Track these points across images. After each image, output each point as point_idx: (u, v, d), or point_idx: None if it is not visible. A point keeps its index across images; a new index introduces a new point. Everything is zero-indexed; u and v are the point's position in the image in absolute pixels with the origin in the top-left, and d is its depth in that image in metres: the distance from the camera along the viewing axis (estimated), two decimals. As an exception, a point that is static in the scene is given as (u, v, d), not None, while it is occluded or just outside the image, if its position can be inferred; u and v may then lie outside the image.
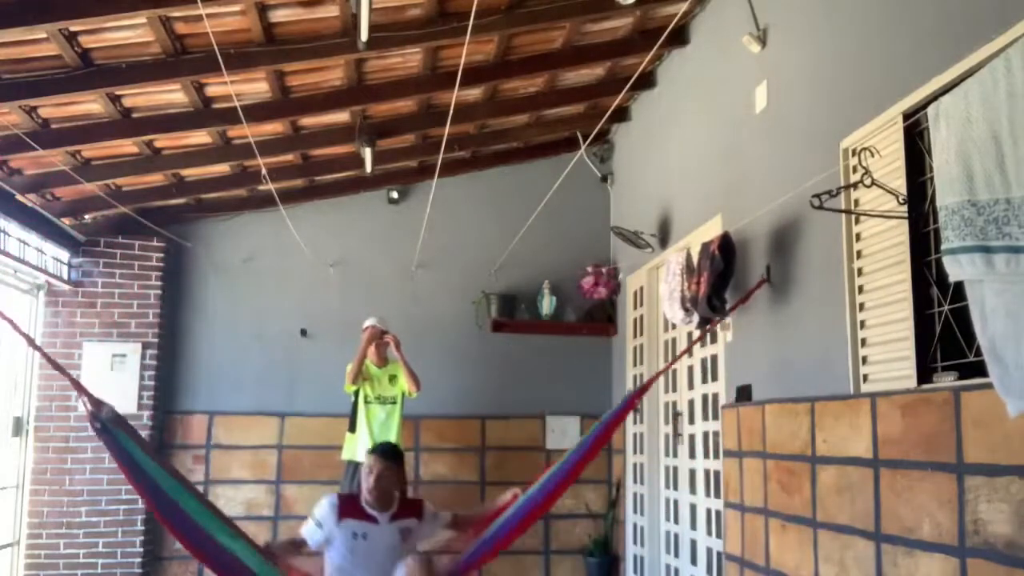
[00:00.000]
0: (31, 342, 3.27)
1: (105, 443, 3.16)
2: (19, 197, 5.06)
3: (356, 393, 5.66)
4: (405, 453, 5.66)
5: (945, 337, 2.76)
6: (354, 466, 5.53)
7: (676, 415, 5.48)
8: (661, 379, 5.79)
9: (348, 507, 3.64)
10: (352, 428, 5.66)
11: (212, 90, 4.62)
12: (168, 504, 3.15)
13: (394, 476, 3.72)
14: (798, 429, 3.53)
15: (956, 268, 2.18)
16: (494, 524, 3.81)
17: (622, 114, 6.43)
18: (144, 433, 5.99)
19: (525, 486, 3.89)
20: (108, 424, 3.12)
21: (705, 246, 4.16)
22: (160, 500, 3.16)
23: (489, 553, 3.80)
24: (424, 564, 3.62)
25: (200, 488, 6.20)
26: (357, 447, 5.60)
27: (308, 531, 3.66)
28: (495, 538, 3.76)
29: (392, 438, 5.55)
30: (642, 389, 3.93)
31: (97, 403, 3.16)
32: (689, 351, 4.83)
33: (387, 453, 3.80)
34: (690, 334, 5.20)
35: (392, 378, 5.70)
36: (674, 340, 5.58)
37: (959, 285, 2.38)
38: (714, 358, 4.76)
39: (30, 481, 5.81)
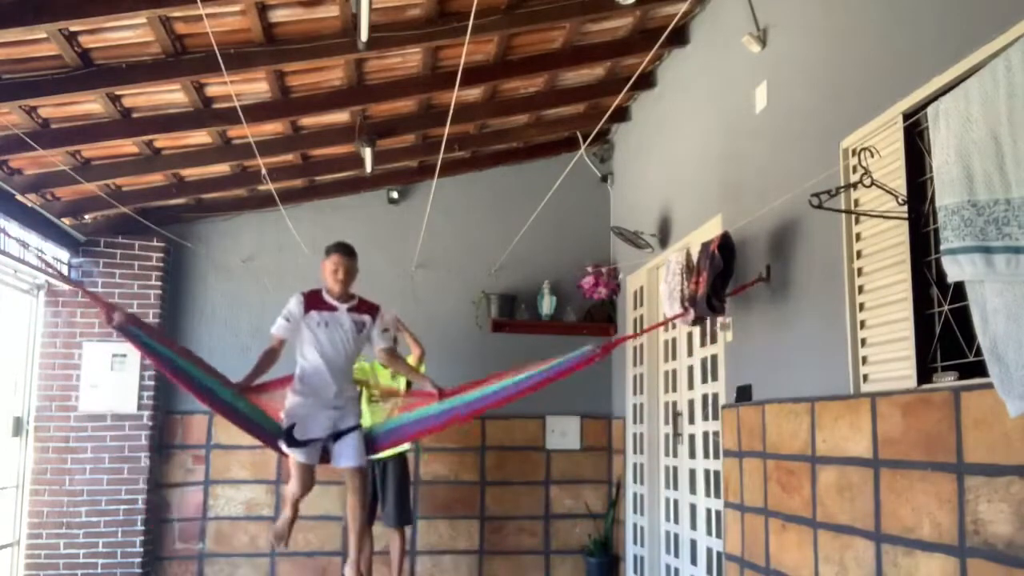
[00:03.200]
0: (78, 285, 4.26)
1: (129, 340, 3.75)
2: (19, 197, 5.06)
3: (359, 393, 5.65)
4: (407, 452, 5.72)
5: (945, 337, 2.76)
6: None
7: (676, 415, 5.48)
8: (661, 379, 5.79)
9: (312, 300, 4.12)
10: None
11: (212, 90, 4.62)
12: (185, 376, 3.89)
13: (353, 270, 4.25)
14: (798, 429, 3.53)
15: (956, 268, 2.18)
16: (457, 398, 4.18)
17: (622, 114, 6.43)
18: (144, 433, 6.01)
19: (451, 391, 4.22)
20: (124, 325, 3.65)
21: (705, 246, 4.16)
22: (178, 374, 3.88)
23: (423, 430, 4.38)
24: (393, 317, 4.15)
25: (200, 488, 6.23)
26: None
27: (277, 327, 4.13)
28: (435, 419, 4.19)
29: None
30: (609, 345, 4.14)
31: (109, 307, 3.65)
32: (669, 324, 4.82)
33: (349, 249, 4.28)
34: (690, 334, 5.20)
35: (394, 375, 5.68)
36: (674, 340, 5.58)
37: (959, 285, 2.38)
38: (714, 358, 4.76)
39: (30, 481, 5.82)
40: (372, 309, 4.26)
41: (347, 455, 3.99)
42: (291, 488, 4.04)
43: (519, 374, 4.10)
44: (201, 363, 4.06)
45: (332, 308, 4.13)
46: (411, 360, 5.62)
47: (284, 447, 3.95)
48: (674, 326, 5.42)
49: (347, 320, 4.12)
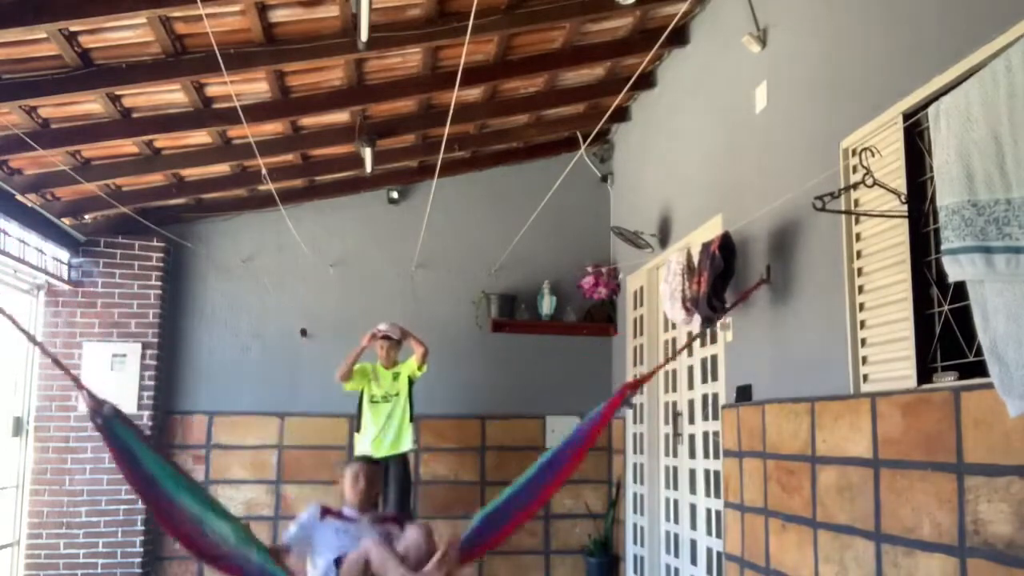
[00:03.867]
0: (31, 338, 3.32)
1: (104, 438, 3.16)
2: (19, 197, 5.06)
3: (361, 394, 5.66)
4: (408, 452, 5.71)
5: (945, 337, 2.76)
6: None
7: (676, 415, 5.48)
8: (661, 378, 5.79)
9: (331, 511, 3.67)
10: (358, 428, 5.68)
11: (212, 90, 4.62)
12: (166, 501, 3.14)
13: (377, 480, 3.81)
14: (798, 429, 3.53)
15: (956, 268, 2.18)
16: (480, 514, 3.55)
17: (622, 114, 6.43)
18: (145, 434, 6.00)
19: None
20: (109, 420, 3.15)
21: (705, 246, 4.16)
22: (155, 495, 3.15)
23: (477, 549, 3.56)
24: (427, 532, 3.56)
25: (202, 488, 6.21)
26: (360, 446, 5.61)
27: (288, 536, 3.58)
28: (481, 534, 3.52)
29: (396, 428, 5.55)
30: (634, 383, 3.55)
31: (97, 402, 3.17)
32: (688, 348, 4.81)
33: (368, 459, 4.05)
34: (690, 333, 5.20)
35: (396, 376, 5.69)
36: (674, 340, 5.58)
37: (959, 285, 2.38)
38: (714, 358, 4.76)
39: (30, 481, 5.81)
40: (397, 520, 3.81)
41: None
42: None
43: (542, 458, 3.56)
44: (203, 492, 3.36)
45: (353, 520, 3.63)
46: (414, 360, 5.62)
47: None
48: (675, 326, 5.42)
49: (372, 530, 3.57)
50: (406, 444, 5.61)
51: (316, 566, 3.53)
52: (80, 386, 3.23)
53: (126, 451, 3.15)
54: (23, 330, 3.19)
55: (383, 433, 5.55)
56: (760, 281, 3.90)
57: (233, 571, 3.16)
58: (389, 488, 5.55)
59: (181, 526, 3.14)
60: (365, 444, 5.55)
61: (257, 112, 4.83)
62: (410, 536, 3.49)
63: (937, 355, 2.80)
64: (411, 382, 5.70)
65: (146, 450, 3.23)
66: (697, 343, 5.09)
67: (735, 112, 4.41)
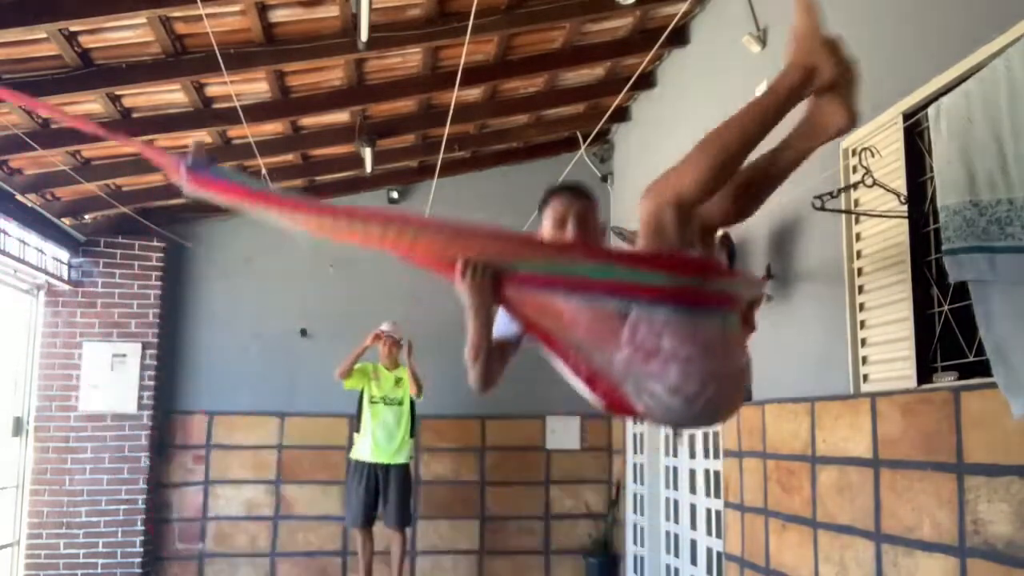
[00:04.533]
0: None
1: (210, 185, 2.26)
2: (19, 197, 5.06)
3: (361, 393, 5.66)
4: (410, 460, 5.71)
5: (945, 337, 2.76)
6: (361, 466, 5.53)
7: (676, 415, 5.48)
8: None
9: None
10: (358, 428, 5.68)
11: (212, 90, 4.61)
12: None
13: (590, 219, 2.40)
14: (798, 429, 3.53)
15: (957, 269, 2.18)
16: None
17: (622, 114, 6.42)
18: (144, 433, 6.01)
19: None
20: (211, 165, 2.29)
21: (705, 246, 4.15)
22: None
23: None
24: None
25: (200, 488, 6.22)
26: (359, 447, 5.61)
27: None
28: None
29: (397, 439, 5.55)
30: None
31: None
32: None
33: (575, 191, 2.40)
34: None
35: (398, 380, 5.70)
36: (674, 340, 5.57)
37: (959, 285, 2.38)
38: (714, 358, 4.75)
39: (30, 481, 5.81)
40: None
41: None
42: None
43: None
44: None
45: None
46: (404, 373, 5.62)
47: None
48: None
49: None
50: (405, 455, 5.60)
51: None
52: (152, 150, 2.51)
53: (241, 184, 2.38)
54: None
55: (385, 441, 5.54)
56: (763, 278, 3.90)
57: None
58: (389, 494, 5.55)
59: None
60: (365, 446, 5.55)
61: (257, 112, 4.82)
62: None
63: (937, 355, 2.80)
64: (419, 385, 5.71)
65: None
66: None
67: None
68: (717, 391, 1.80)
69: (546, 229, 2.38)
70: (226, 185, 2.20)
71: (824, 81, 1.74)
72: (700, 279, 1.81)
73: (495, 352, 2.15)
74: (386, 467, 5.53)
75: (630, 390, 1.77)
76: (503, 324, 2.28)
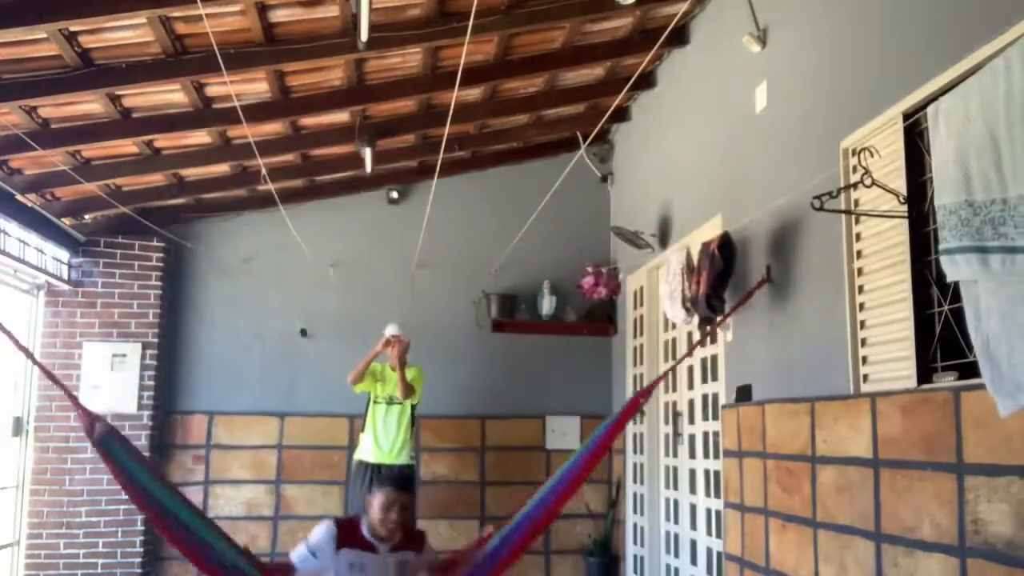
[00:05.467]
0: (27, 354, 3.28)
1: (100, 455, 3.15)
2: (19, 197, 5.06)
3: (369, 395, 5.65)
4: (412, 456, 5.69)
5: (945, 337, 2.76)
6: (364, 467, 5.52)
7: (676, 415, 5.48)
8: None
9: (347, 536, 3.38)
10: (363, 427, 5.67)
11: (212, 90, 4.62)
12: (165, 514, 3.16)
13: (408, 508, 3.50)
14: (798, 429, 3.53)
15: (953, 268, 2.18)
16: (501, 532, 3.53)
17: (622, 114, 6.43)
18: (144, 433, 6.00)
19: (500, 524, 3.59)
20: (103, 439, 3.11)
21: (705, 246, 4.16)
22: (157, 511, 3.17)
23: (499, 566, 3.51)
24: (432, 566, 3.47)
25: (200, 488, 6.23)
26: (363, 448, 5.60)
27: (299, 557, 3.35)
28: (504, 547, 3.51)
29: (393, 437, 5.54)
30: (646, 390, 3.80)
31: (91, 420, 3.13)
32: (690, 353, 4.82)
33: (402, 484, 3.49)
34: (690, 334, 5.20)
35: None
36: (674, 340, 5.58)
37: (959, 285, 2.38)
38: (714, 358, 4.76)
39: (30, 481, 5.82)
40: (418, 540, 3.57)
41: None
42: None
43: (561, 467, 3.62)
44: (194, 509, 3.32)
45: (372, 548, 3.36)
46: (410, 373, 5.58)
47: None
48: (675, 326, 5.42)
49: (388, 565, 3.38)
50: (402, 457, 5.57)
51: None
52: (76, 404, 3.23)
53: (123, 468, 3.14)
54: (22, 348, 3.19)
55: (385, 441, 5.53)
56: (762, 281, 3.90)
57: None
58: None
59: (180, 538, 3.14)
60: (367, 446, 5.55)
61: (257, 112, 4.83)
62: (422, 564, 3.42)
63: (937, 355, 2.80)
64: (413, 406, 5.68)
65: (141, 470, 3.22)
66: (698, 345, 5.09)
67: (735, 112, 4.41)
68: None
69: (375, 510, 3.35)
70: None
71: None
72: None
73: None
74: (390, 468, 5.52)
75: None
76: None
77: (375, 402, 5.62)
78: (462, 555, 3.59)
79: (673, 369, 4.76)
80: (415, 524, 5.64)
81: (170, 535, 3.18)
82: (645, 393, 3.75)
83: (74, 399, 3.28)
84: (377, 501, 3.36)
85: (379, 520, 3.35)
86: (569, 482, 3.57)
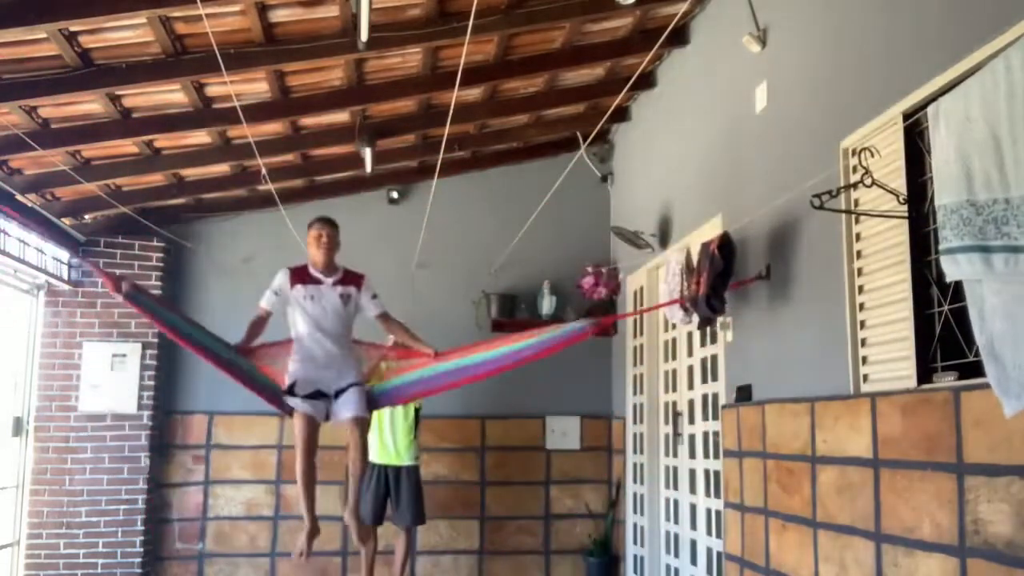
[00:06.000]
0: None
1: (134, 306, 3.93)
2: (19, 197, 5.06)
3: None
4: (419, 462, 5.69)
5: (945, 337, 2.76)
6: (370, 468, 5.51)
7: (676, 415, 5.48)
8: (661, 379, 5.79)
9: (298, 275, 4.20)
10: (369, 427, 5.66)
11: (212, 90, 4.62)
12: (193, 341, 4.02)
13: (336, 239, 4.30)
14: (798, 429, 3.53)
15: (954, 268, 2.18)
16: (457, 363, 4.22)
17: (622, 114, 6.43)
18: (144, 433, 6.01)
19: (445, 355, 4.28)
20: (130, 292, 3.77)
21: (705, 246, 4.15)
22: (187, 339, 4.01)
23: (417, 393, 4.57)
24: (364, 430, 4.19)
25: (200, 488, 6.23)
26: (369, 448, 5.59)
27: (266, 299, 4.22)
28: (451, 375, 4.21)
29: (399, 440, 5.54)
30: (606, 320, 4.28)
31: (116, 281, 3.76)
32: (688, 348, 4.83)
33: (331, 221, 4.33)
34: (689, 334, 5.20)
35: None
36: (674, 340, 5.58)
37: (959, 285, 2.38)
38: (714, 358, 4.76)
39: (30, 481, 5.82)
40: (357, 279, 4.36)
41: (348, 407, 4.06)
42: (297, 458, 4.07)
43: (515, 343, 4.12)
44: (203, 328, 4.21)
45: (317, 282, 4.21)
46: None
47: (287, 400, 4.11)
48: (674, 326, 5.41)
49: (333, 294, 4.21)
50: (407, 458, 5.57)
51: (296, 327, 4.18)
52: (99, 271, 4.22)
53: (154, 312, 4.03)
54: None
55: (389, 441, 5.53)
56: (758, 276, 3.90)
57: (237, 376, 4.07)
58: (401, 495, 5.54)
59: (208, 357, 4.03)
60: (373, 445, 5.54)
61: (257, 112, 4.83)
62: (364, 300, 4.36)
63: (937, 355, 2.80)
64: (416, 408, 5.68)
65: (168, 312, 4.27)
66: (697, 344, 5.09)
67: (735, 112, 4.41)
68: None
69: (311, 241, 4.29)
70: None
71: None
72: None
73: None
74: (396, 469, 5.54)
75: None
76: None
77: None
78: (416, 354, 4.36)
79: (644, 312, 5.28)
80: (423, 522, 5.70)
81: (194, 351, 4.08)
82: (597, 328, 4.10)
83: (96, 266, 4.47)
84: (312, 235, 4.26)
85: (315, 250, 4.23)
86: (498, 367, 4.12)
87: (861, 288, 3.21)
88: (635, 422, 6.14)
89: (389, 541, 5.90)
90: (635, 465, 6.13)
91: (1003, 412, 2.12)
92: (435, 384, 4.28)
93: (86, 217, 5.92)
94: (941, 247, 2.22)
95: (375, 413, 5.62)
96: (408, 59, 4.80)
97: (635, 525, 6.08)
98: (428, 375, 4.26)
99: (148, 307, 3.98)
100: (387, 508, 5.62)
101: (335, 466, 6.11)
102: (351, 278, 4.33)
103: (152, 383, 6.05)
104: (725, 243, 4.02)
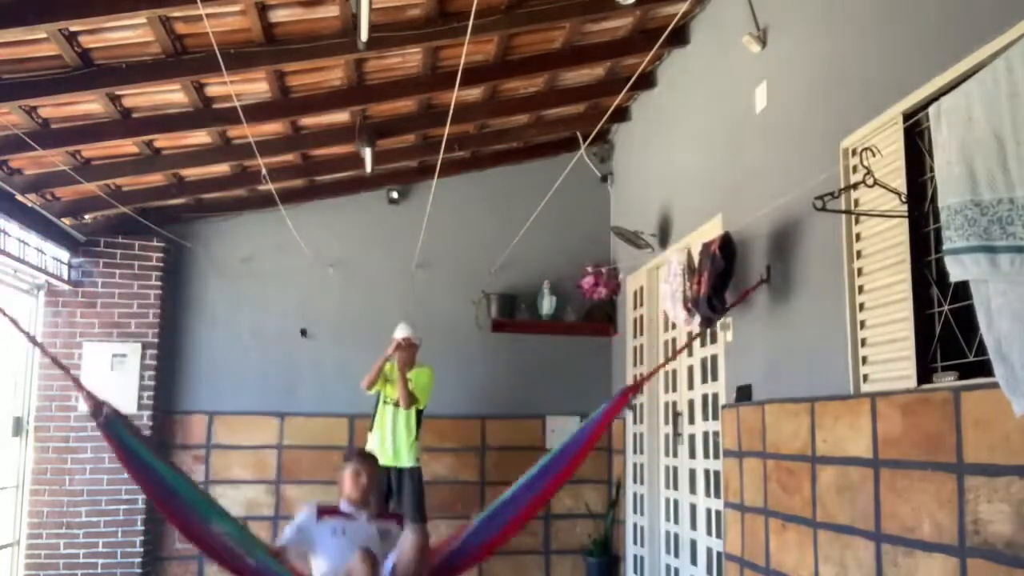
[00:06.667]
0: (32, 339, 3.42)
1: (106, 438, 3.33)
2: (19, 197, 5.06)
3: (377, 394, 5.64)
4: (418, 457, 5.67)
5: (945, 337, 2.76)
6: None
7: (676, 415, 5.48)
8: (661, 378, 5.79)
9: (328, 510, 3.79)
10: (371, 427, 5.66)
11: (212, 90, 4.61)
12: (168, 493, 3.33)
13: (376, 476, 4.00)
14: (798, 429, 3.53)
15: (959, 268, 2.18)
16: (480, 516, 3.79)
17: (622, 114, 6.43)
18: (144, 433, 6.00)
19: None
20: (109, 421, 3.31)
21: (706, 246, 4.16)
22: (160, 490, 3.34)
23: (474, 552, 3.76)
24: (423, 539, 3.55)
25: (200, 488, 6.21)
26: (369, 447, 5.58)
27: (286, 537, 3.73)
28: (480, 534, 3.71)
29: (401, 441, 5.53)
30: (635, 386, 3.92)
31: (97, 404, 3.33)
32: (688, 348, 4.82)
33: (370, 456, 4.09)
34: (690, 333, 5.20)
35: (407, 383, 5.66)
36: (674, 340, 5.58)
37: (959, 285, 2.38)
38: (714, 358, 4.76)
39: (30, 481, 5.81)
40: (396, 517, 4.10)
41: None
42: None
43: (543, 459, 3.77)
44: (192, 483, 3.57)
45: (350, 516, 3.78)
46: (418, 377, 5.57)
47: None
48: (675, 326, 5.42)
49: (369, 528, 3.73)
50: (407, 459, 5.54)
51: (317, 568, 3.59)
52: (80, 387, 3.42)
53: (128, 450, 3.34)
54: (24, 332, 3.25)
55: (390, 442, 5.52)
56: (760, 281, 3.90)
57: (238, 570, 3.31)
58: (403, 497, 5.52)
59: (187, 522, 3.33)
60: (374, 445, 5.54)
61: (257, 112, 4.83)
62: (404, 543, 3.52)
63: (937, 355, 2.80)
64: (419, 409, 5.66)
65: (146, 450, 3.43)
66: (697, 343, 5.09)
67: (735, 112, 4.41)
68: None
69: (347, 478, 3.78)
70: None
71: None
72: None
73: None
74: (399, 470, 5.52)
75: None
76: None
77: (384, 403, 5.60)
78: (444, 542, 3.83)
79: (664, 366, 4.80)
80: (425, 521, 5.67)
81: (172, 516, 3.37)
82: (634, 388, 3.87)
83: (77, 382, 3.48)
84: (347, 472, 3.85)
85: (350, 486, 3.81)
86: (552, 478, 3.68)
87: (861, 288, 3.21)
88: (635, 422, 6.14)
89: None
90: (635, 465, 6.13)
91: (1008, 412, 2.12)
92: (490, 534, 3.72)
93: (86, 217, 5.91)
94: (945, 248, 2.22)
95: (378, 414, 5.63)
96: (408, 59, 4.80)
97: (635, 525, 6.08)
98: (474, 530, 3.74)
99: (122, 442, 3.34)
100: (388, 509, 5.60)
101: (335, 467, 6.09)
102: (389, 515, 4.06)
103: (152, 383, 6.05)
104: (726, 243, 4.02)
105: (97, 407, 3.29)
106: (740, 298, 3.98)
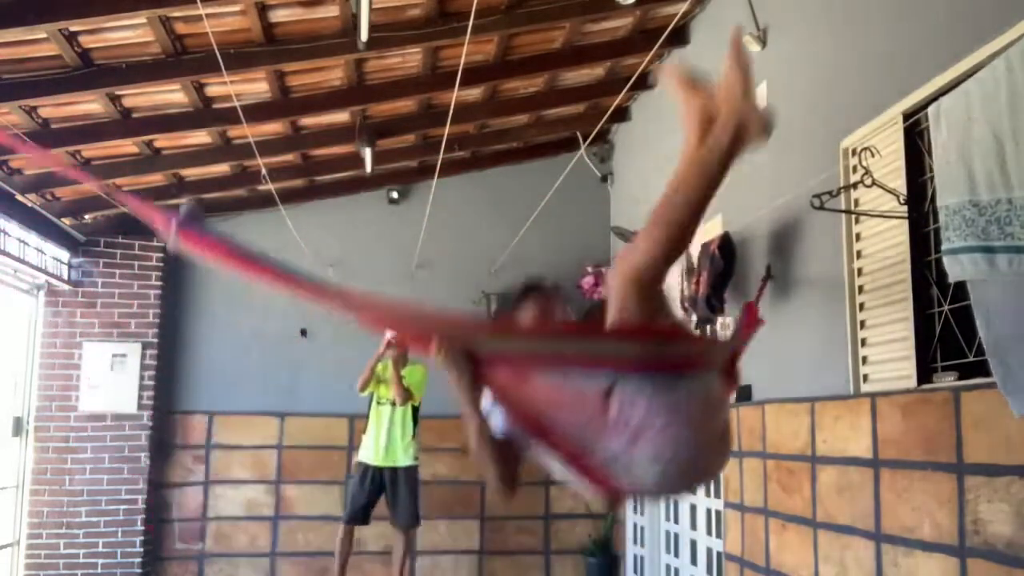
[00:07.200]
0: None
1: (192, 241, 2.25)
2: (19, 197, 5.06)
3: (370, 396, 5.63)
4: (416, 456, 5.64)
5: (945, 337, 2.76)
6: (361, 468, 5.49)
7: (676, 415, 5.47)
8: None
9: None
10: (365, 428, 5.64)
11: (212, 90, 4.61)
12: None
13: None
14: (798, 429, 3.53)
15: (957, 268, 2.18)
16: None
17: (622, 114, 6.42)
18: (144, 433, 6.01)
19: None
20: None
21: (705, 246, 4.16)
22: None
23: None
24: None
25: (200, 488, 6.22)
26: (364, 448, 5.56)
27: None
28: None
29: (396, 438, 5.51)
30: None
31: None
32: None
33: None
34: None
35: (402, 379, 5.65)
36: (674, 340, 5.57)
37: (959, 285, 2.38)
38: (714, 358, 4.75)
39: (30, 481, 5.81)
40: None
41: None
42: None
43: None
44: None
45: None
46: (412, 375, 5.56)
47: None
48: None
49: None
50: (406, 458, 5.53)
51: None
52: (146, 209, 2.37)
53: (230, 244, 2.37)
54: None
55: (386, 442, 5.49)
56: (766, 278, 3.89)
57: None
58: (399, 496, 5.49)
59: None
60: (368, 446, 5.52)
61: (257, 112, 4.82)
62: None
63: (937, 355, 2.80)
64: (415, 407, 5.65)
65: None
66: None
67: (735, 112, 4.40)
68: (698, 457, 1.77)
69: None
70: (215, 245, 2.29)
71: (751, 136, 1.80)
72: (667, 347, 1.82)
73: (502, 449, 2.03)
74: (393, 470, 5.48)
75: (617, 468, 1.76)
76: (499, 422, 2.18)
77: (378, 403, 5.59)
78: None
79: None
80: (419, 523, 5.64)
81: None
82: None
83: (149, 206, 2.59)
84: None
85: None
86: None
87: (861, 288, 3.21)
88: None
89: (388, 542, 5.90)
90: (635, 465, 6.11)
91: (1007, 412, 2.13)
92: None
93: (86, 217, 5.92)
94: (944, 248, 2.22)
95: (372, 414, 5.59)
96: (408, 59, 4.80)
97: (635, 525, 6.07)
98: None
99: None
100: (374, 508, 5.54)
101: (335, 466, 6.12)
102: None
103: (152, 383, 6.05)
104: (725, 243, 4.02)
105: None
106: (758, 295, 3.95)
